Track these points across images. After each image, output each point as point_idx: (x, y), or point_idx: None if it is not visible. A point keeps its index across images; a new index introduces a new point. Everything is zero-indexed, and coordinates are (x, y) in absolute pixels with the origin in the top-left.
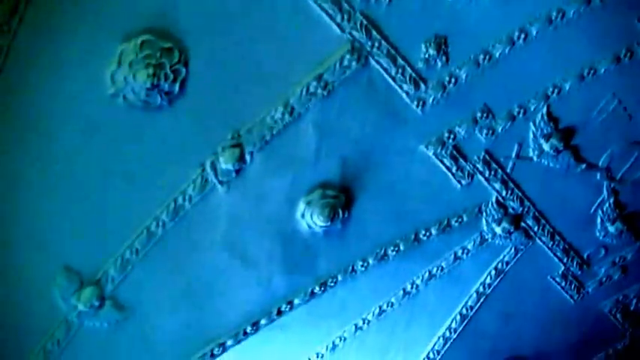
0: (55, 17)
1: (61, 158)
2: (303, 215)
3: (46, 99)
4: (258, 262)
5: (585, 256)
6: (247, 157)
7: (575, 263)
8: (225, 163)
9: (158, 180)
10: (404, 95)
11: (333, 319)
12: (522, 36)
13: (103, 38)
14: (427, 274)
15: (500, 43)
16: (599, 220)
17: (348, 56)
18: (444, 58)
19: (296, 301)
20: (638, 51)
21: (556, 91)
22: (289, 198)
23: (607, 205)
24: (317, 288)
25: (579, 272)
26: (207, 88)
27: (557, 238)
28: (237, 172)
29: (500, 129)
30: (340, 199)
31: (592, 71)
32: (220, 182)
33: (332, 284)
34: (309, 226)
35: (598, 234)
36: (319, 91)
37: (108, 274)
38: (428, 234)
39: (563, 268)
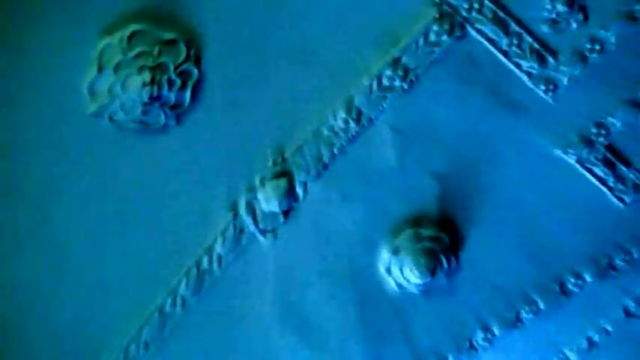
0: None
1: (32, 201)
2: (389, 270)
3: (13, 122)
4: (327, 338)
5: None
6: (299, 191)
7: None
8: (268, 203)
9: (171, 236)
10: (524, 76)
11: None
12: None
13: (76, 32)
14: (585, 342)
15: None
16: None
17: (435, 27)
18: (580, 16)
19: None
20: None
21: None
22: (366, 244)
23: None
24: None
25: None
26: (231, 94)
27: None
28: (286, 213)
29: None
30: (442, 240)
31: None
32: (262, 232)
33: None
34: (400, 285)
35: None
36: (397, 82)
37: None
38: (580, 281)
39: None
